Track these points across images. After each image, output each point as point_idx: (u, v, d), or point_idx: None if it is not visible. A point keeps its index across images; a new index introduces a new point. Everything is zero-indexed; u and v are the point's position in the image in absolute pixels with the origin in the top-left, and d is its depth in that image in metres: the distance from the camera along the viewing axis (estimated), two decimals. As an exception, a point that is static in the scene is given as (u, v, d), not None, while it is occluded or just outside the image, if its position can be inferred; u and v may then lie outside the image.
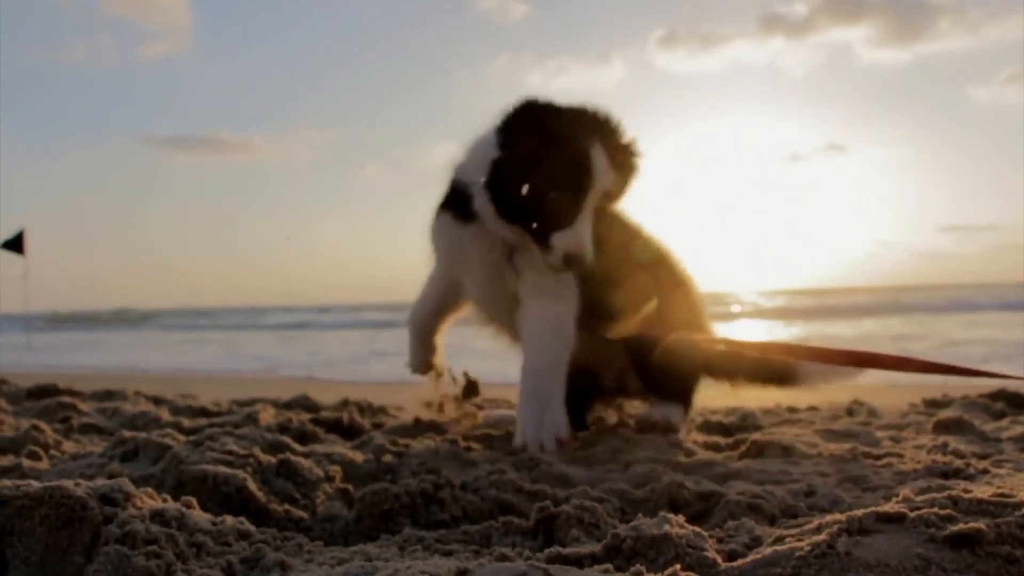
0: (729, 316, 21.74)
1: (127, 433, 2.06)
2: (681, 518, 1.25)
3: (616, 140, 2.23)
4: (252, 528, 1.40)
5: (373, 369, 7.90)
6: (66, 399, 3.10)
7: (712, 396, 2.92)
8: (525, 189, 2.15)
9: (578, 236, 2.13)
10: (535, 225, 2.17)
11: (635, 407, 2.70)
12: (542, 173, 2.13)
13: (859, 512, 1.17)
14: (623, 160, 2.23)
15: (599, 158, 2.14)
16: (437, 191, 2.43)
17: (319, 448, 2.11)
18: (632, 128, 2.26)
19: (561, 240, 2.13)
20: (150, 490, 1.41)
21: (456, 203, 2.34)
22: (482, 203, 2.23)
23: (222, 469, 1.67)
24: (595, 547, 1.20)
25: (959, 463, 1.85)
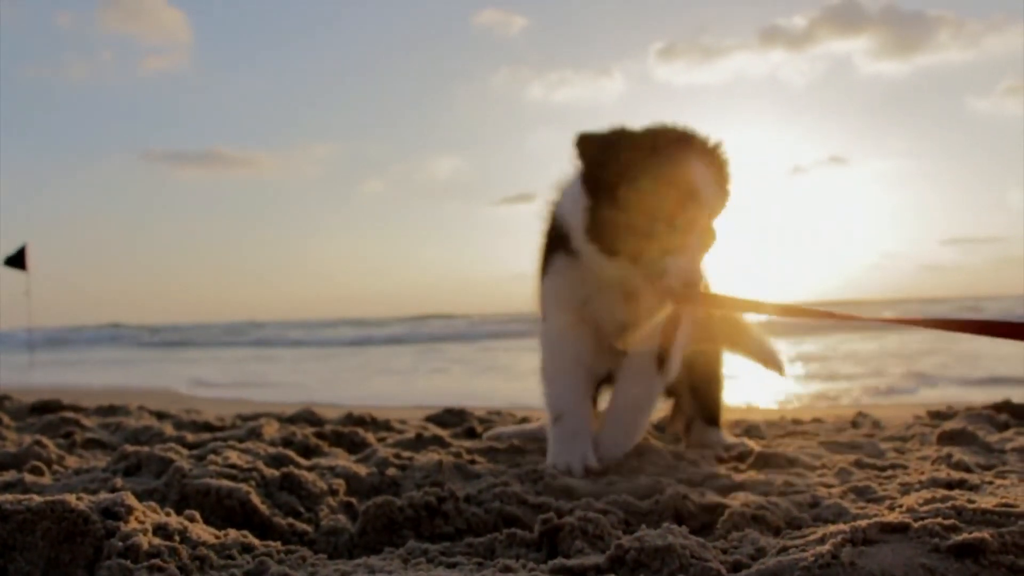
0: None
1: (130, 448, 2.06)
2: (685, 529, 1.25)
3: (709, 150, 2.08)
4: (256, 542, 1.40)
5: (375, 385, 7.89)
6: (69, 414, 3.10)
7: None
8: (627, 228, 1.99)
9: (692, 261, 1.99)
10: (645, 260, 2.01)
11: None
12: (643, 209, 1.97)
13: (863, 522, 1.17)
14: (719, 171, 2.08)
15: (700, 174, 1.99)
16: (540, 238, 2.27)
17: (323, 461, 2.11)
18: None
19: (676, 266, 1.98)
20: (153, 504, 1.41)
21: (565, 244, 2.16)
22: (586, 249, 2.08)
23: (225, 483, 1.67)
24: (599, 558, 1.19)
25: (963, 474, 1.84)
